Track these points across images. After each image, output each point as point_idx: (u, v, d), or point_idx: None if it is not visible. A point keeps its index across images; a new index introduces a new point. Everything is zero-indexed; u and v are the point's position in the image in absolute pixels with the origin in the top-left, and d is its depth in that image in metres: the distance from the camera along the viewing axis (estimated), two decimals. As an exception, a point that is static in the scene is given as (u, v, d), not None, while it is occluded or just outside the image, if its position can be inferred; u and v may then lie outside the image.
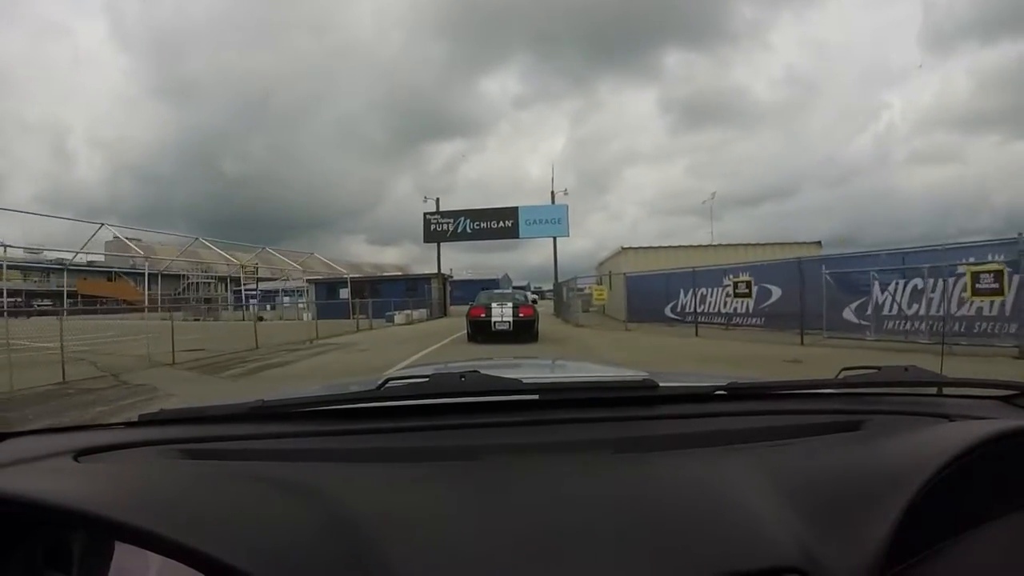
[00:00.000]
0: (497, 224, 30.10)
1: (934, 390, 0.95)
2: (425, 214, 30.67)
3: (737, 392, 0.93)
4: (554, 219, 29.67)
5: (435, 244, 30.62)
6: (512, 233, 30.45)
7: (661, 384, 0.90)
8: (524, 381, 0.89)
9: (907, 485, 0.54)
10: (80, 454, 0.73)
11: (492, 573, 0.47)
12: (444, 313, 29.82)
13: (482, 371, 0.93)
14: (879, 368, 0.92)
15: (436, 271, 30.37)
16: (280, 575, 0.45)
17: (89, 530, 0.55)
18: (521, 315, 11.55)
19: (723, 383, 0.94)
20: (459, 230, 30.38)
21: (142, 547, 0.48)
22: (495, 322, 11.38)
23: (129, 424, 0.88)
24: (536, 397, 0.88)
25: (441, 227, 30.70)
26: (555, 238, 30.03)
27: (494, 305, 11.72)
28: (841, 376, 0.93)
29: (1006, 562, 0.55)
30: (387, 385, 0.90)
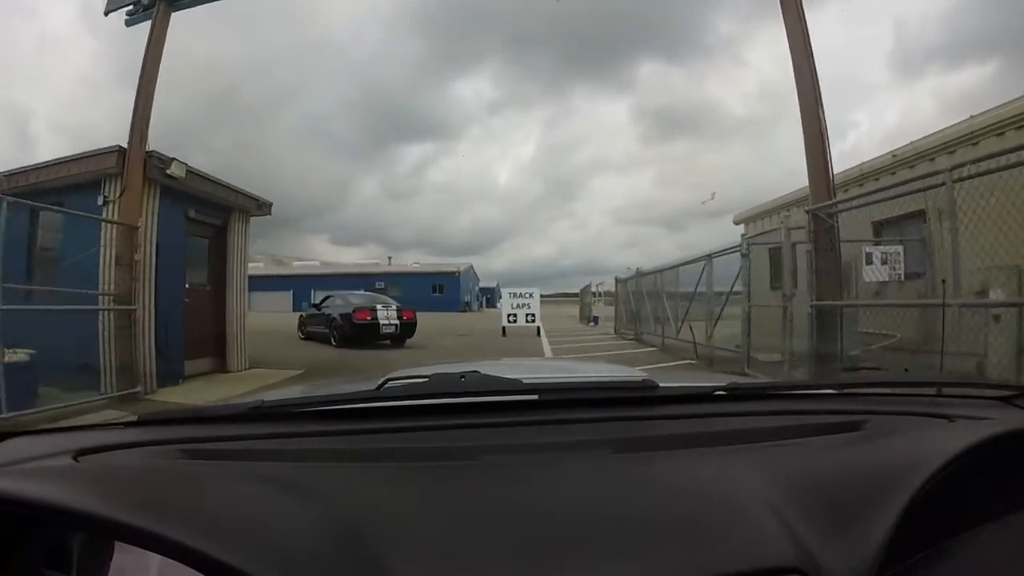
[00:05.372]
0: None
1: (934, 390, 0.95)
2: None
3: (737, 392, 0.93)
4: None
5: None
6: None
7: (661, 384, 0.90)
8: (524, 381, 0.89)
9: (907, 485, 0.54)
10: (80, 454, 0.72)
11: (492, 573, 0.47)
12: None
13: (482, 371, 0.92)
14: (879, 368, 1.06)
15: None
16: (279, 575, 0.45)
17: (89, 530, 0.54)
18: (405, 318, 11.43)
19: (723, 384, 0.94)
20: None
21: (142, 547, 0.48)
22: (383, 324, 10.98)
23: (129, 424, 0.87)
24: (536, 397, 0.87)
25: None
26: None
27: (379, 307, 11.31)
28: (841, 376, 0.97)
29: (1006, 562, 0.55)
30: (387, 385, 0.89)
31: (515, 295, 14.41)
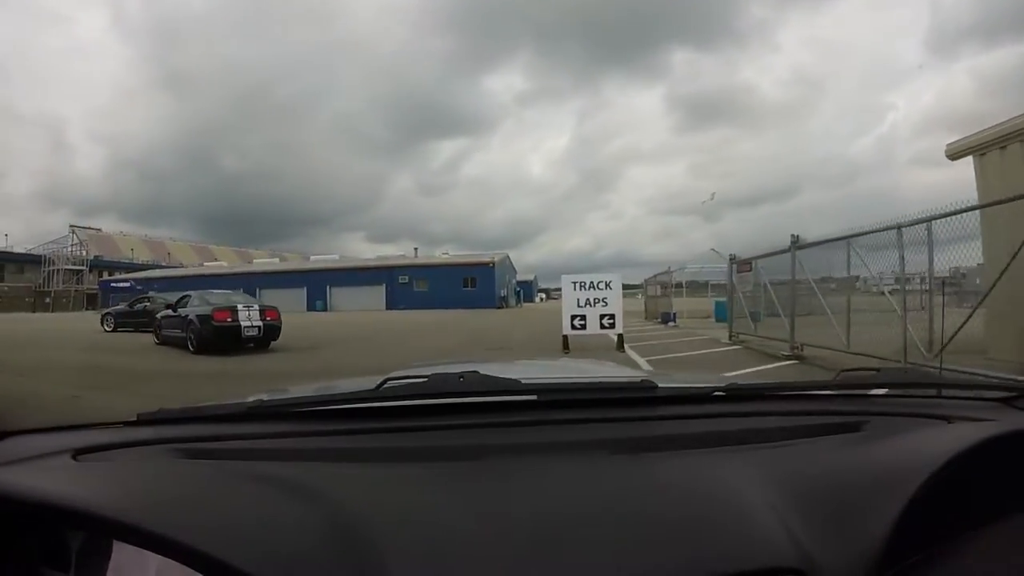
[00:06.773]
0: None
1: (934, 391, 0.95)
2: None
3: (736, 393, 0.93)
4: None
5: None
6: None
7: (660, 385, 0.89)
8: (523, 382, 0.89)
9: (906, 486, 0.54)
10: (79, 453, 0.72)
11: (491, 572, 0.47)
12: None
13: (481, 371, 0.92)
14: (878, 369, 0.92)
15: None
16: (279, 575, 0.45)
17: (88, 529, 0.54)
18: (268, 319, 10.36)
19: (722, 384, 0.94)
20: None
21: (140, 546, 0.48)
22: (245, 327, 9.91)
23: (128, 423, 0.87)
24: (535, 397, 0.87)
25: None
26: None
27: (240, 307, 10.10)
28: (840, 377, 0.92)
29: (1006, 562, 0.55)
30: (386, 385, 0.88)
31: (582, 285, 9.44)
